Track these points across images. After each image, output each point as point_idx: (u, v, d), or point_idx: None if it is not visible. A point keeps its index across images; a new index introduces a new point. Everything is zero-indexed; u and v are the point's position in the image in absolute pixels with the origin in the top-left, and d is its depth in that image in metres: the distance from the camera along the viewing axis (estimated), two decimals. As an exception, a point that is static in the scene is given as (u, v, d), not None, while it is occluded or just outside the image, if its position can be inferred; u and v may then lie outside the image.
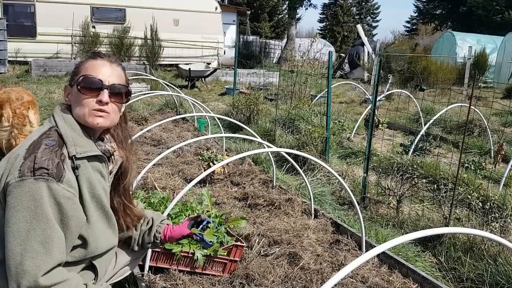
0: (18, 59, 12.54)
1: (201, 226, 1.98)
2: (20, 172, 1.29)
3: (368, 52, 15.75)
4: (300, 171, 3.20)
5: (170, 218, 2.56)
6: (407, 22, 39.85)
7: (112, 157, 1.59)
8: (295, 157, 4.11)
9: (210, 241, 2.00)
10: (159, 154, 3.20)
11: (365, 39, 16.07)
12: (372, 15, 40.62)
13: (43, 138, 1.39)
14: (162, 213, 2.17)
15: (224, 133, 5.58)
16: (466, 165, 4.96)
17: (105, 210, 1.53)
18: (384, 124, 6.35)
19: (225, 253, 2.40)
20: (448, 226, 3.08)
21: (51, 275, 1.29)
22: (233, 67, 10.85)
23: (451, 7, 30.46)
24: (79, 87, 1.46)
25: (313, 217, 3.29)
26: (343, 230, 3.08)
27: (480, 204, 3.15)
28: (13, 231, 1.27)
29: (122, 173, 1.66)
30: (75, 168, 1.39)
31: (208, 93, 11.01)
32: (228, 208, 3.31)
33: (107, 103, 1.47)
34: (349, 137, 6.36)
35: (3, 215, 1.32)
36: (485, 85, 13.53)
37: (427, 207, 3.72)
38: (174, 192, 3.48)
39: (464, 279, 2.62)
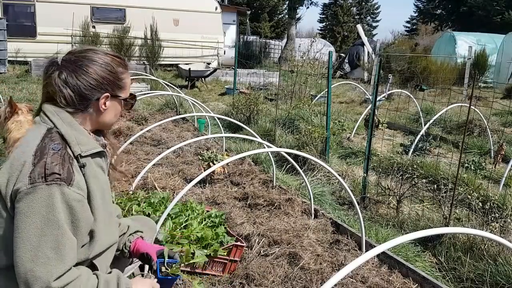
0: (18, 59, 12.54)
1: (158, 262, 1.68)
2: (31, 178, 1.26)
3: (368, 52, 15.75)
4: (300, 171, 3.20)
5: (170, 218, 2.56)
6: (407, 22, 39.95)
7: (106, 150, 1.59)
8: (295, 157, 4.11)
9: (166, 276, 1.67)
10: (159, 154, 3.20)
11: (365, 39, 16.06)
12: (372, 15, 40.63)
13: (47, 142, 1.35)
14: (162, 213, 2.16)
15: (224, 133, 5.57)
16: (466, 165, 4.96)
17: (108, 206, 1.53)
18: (384, 124, 6.35)
19: (225, 253, 2.40)
20: (448, 226, 3.08)
21: (62, 278, 1.28)
22: (233, 67, 10.84)
23: (451, 7, 30.48)
24: (130, 105, 1.61)
25: (313, 217, 3.29)
26: (343, 230, 3.08)
27: (480, 204, 3.15)
28: (23, 237, 1.25)
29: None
30: (81, 167, 1.39)
31: (208, 93, 11.00)
32: (228, 208, 3.31)
33: None
34: (349, 137, 6.36)
35: (8, 222, 1.30)
36: (485, 85, 13.51)
37: (427, 207, 3.72)
38: (174, 192, 3.48)
39: (464, 279, 2.62)
